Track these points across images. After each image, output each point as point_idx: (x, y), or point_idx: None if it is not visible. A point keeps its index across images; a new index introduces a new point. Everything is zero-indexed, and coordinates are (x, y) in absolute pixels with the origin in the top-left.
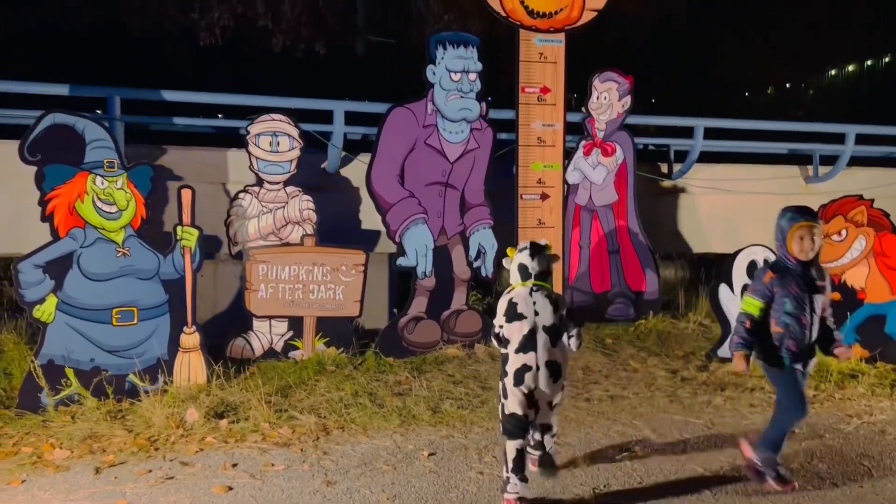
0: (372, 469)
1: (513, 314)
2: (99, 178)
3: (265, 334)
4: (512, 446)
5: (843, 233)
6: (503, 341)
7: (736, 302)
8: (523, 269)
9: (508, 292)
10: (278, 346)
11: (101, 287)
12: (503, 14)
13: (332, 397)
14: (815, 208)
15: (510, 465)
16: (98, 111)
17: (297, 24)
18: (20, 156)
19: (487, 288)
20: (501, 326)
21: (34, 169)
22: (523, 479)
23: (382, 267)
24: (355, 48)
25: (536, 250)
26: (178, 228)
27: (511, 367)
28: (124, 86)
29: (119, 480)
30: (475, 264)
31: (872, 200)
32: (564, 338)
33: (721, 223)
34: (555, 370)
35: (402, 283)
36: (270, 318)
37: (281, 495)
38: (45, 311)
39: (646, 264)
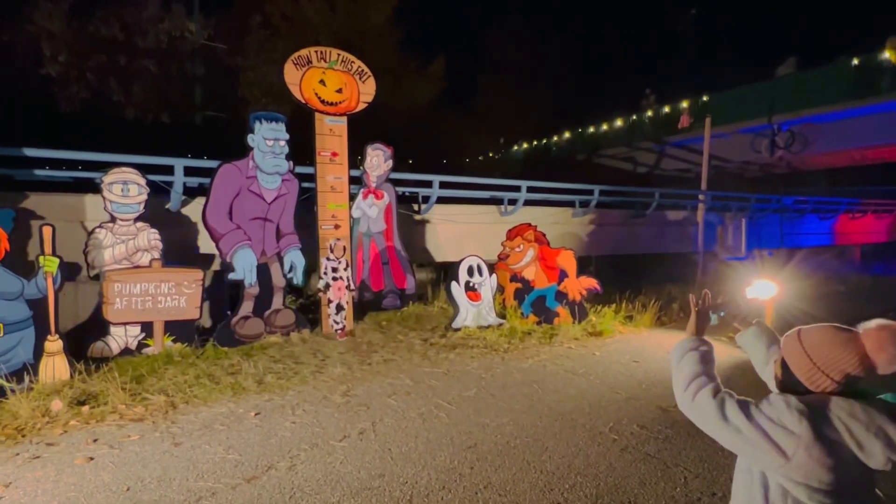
0: (211, 430)
1: None
2: None
3: (121, 337)
4: None
5: (521, 247)
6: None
7: (461, 292)
8: None
9: None
10: (133, 345)
11: None
12: (303, 101)
13: (178, 381)
14: (505, 231)
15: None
16: None
17: (145, 99)
18: None
19: (299, 292)
20: None
21: None
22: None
23: (218, 280)
24: (194, 120)
25: None
26: (41, 258)
27: None
28: None
29: None
30: (288, 276)
31: (536, 226)
32: None
33: (452, 242)
34: None
35: (233, 291)
36: (125, 324)
37: (136, 458)
38: None
39: (406, 270)
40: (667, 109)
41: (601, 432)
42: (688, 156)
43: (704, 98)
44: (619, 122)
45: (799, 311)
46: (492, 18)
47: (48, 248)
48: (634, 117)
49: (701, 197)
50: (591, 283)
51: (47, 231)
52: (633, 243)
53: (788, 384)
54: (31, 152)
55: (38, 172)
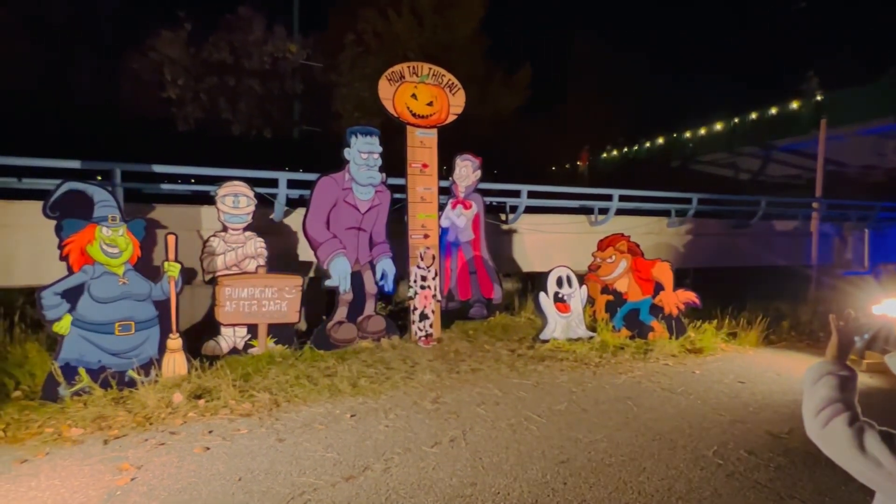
0: (311, 428)
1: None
2: (105, 229)
3: (230, 337)
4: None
5: (613, 257)
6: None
7: (550, 304)
8: None
9: None
10: (240, 345)
11: (106, 307)
12: (396, 115)
13: (280, 380)
14: (596, 242)
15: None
16: (99, 177)
17: (250, 116)
18: (43, 213)
19: (389, 299)
20: None
21: (54, 222)
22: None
23: (315, 287)
24: (293, 134)
25: None
26: (165, 263)
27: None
28: (122, 160)
29: (122, 448)
30: (380, 283)
31: (630, 237)
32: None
33: (540, 252)
34: None
35: (329, 297)
36: (234, 325)
37: (245, 451)
38: (63, 326)
39: (493, 280)
40: (773, 111)
41: (704, 455)
42: (797, 160)
43: (818, 97)
44: (718, 126)
45: None
46: (578, 23)
47: (171, 254)
48: (737, 120)
49: (815, 205)
50: (690, 296)
51: (171, 239)
52: (735, 255)
53: None
54: (157, 168)
55: (163, 186)
